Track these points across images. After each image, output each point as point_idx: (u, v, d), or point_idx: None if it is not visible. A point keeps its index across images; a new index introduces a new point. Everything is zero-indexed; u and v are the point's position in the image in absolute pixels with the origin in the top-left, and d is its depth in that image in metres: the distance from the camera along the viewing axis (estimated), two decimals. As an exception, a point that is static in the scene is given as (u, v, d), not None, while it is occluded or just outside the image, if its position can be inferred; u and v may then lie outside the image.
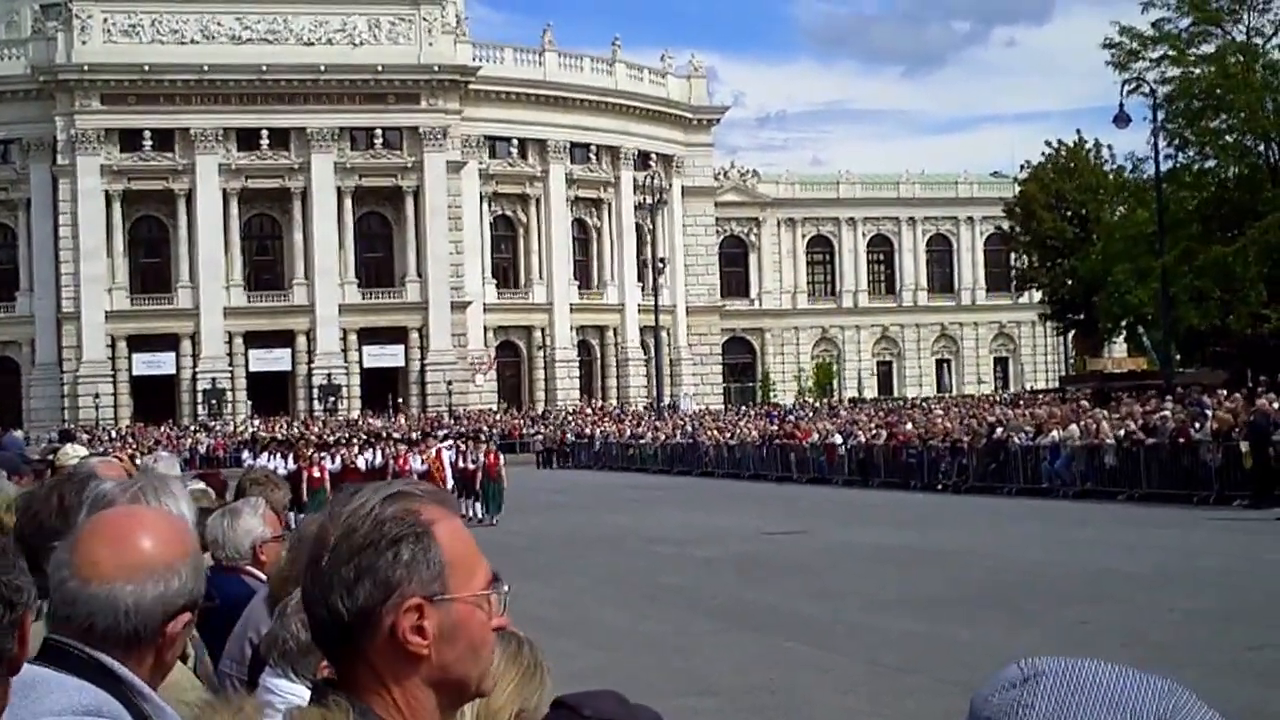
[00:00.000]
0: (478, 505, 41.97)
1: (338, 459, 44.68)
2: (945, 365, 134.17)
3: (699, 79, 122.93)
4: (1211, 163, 63.99)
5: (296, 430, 77.82)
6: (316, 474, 41.53)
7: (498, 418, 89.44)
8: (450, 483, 40.45)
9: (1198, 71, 62.44)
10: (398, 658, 2.48)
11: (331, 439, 59.38)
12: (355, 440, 54.29)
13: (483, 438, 51.70)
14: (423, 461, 42.62)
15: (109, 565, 3.10)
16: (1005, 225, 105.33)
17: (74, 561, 3.13)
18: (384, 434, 60.63)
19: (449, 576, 2.51)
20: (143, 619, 3.10)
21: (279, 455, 46.01)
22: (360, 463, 44.71)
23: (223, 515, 7.04)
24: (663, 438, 72.13)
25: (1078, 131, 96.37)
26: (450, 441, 49.72)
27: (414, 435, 61.56)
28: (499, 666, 3.59)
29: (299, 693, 4.36)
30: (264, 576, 6.61)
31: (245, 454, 59.06)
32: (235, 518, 6.92)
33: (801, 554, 28.80)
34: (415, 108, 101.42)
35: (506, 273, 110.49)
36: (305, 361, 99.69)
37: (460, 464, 43.81)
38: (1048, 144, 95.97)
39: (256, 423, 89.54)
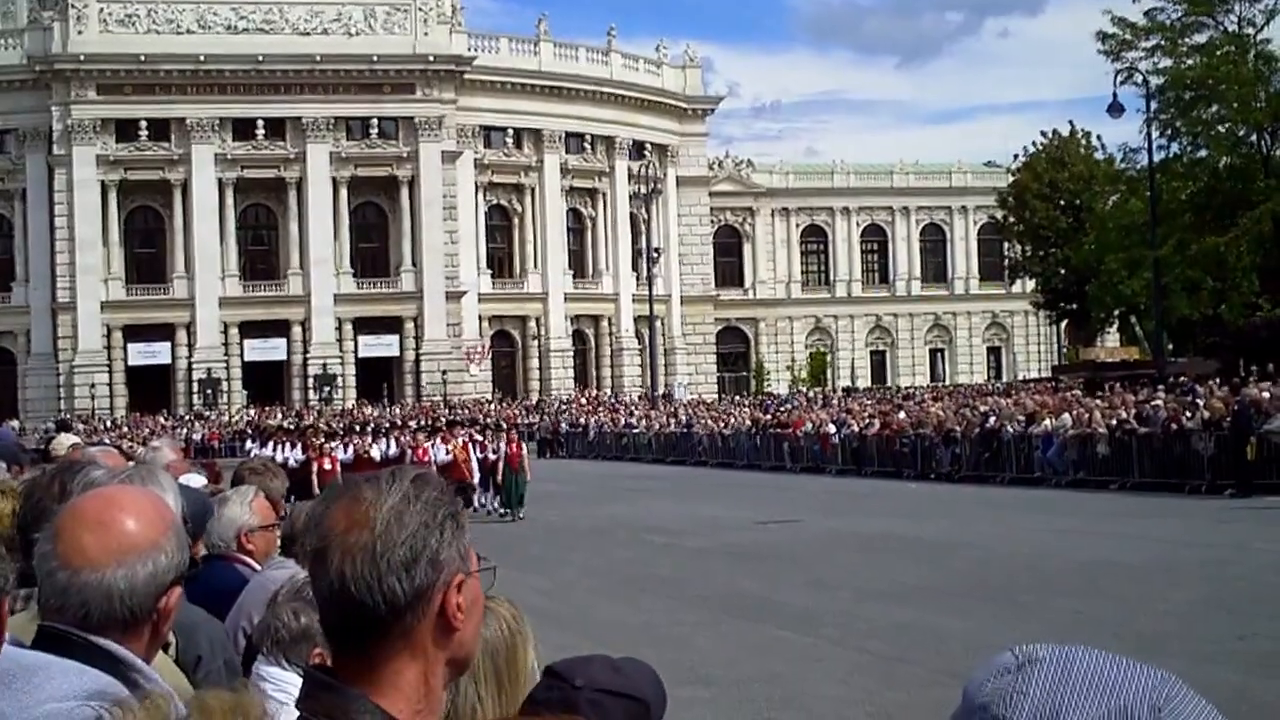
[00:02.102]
0: (496, 499, 39.60)
1: (350, 449, 42.44)
2: (939, 354, 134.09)
3: (694, 69, 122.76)
4: (1204, 153, 64.07)
5: (295, 418, 77.66)
6: (328, 465, 39.22)
7: (492, 407, 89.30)
8: (476, 474, 38.55)
9: (1190, 62, 62.51)
10: (437, 636, 2.56)
11: (343, 428, 56.78)
12: (369, 429, 52.27)
13: (504, 426, 48.91)
14: (448, 451, 39.17)
15: (96, 551, 3.09)
16: (998, 215, 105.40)
17: (59, 551, 3.11)
18: (400, 422, 58.67)
19: (470, 553, 2.62)
20: (138, 601, 3.11)
21: (287, 445, 43.98)
22: (374, 452, 41.92)
23: (213, 504, 7.08)
24: (657, 427, 72.14)
25: (1070, 123, 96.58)
26: (466, 431, 46.63)
27: (434, 424, 58.01)
28: (516, 625, 3.67)
29: (292, 681, 4.38)
30: (256, 565, 6.65)
31: (250, 444, 56.57)
32: (222, 506, 6.96)
33: (795, 544, 28.83)
34: (410, 98, 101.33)
35: (501, 262, 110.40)
36: (300, 351, 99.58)
37: (479, 454, 40.90)
38: (1043, 134, 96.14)
39: (252, 412, 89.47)
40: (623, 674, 3.13)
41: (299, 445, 43.22)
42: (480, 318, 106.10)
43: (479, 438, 41.72)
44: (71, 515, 3.22)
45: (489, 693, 3.51)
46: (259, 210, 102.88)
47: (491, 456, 39.76)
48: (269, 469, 8.56)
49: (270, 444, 45.48)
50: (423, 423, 57.66)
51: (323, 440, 43.03)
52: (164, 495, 4.25)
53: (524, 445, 41.90)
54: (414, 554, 2.50)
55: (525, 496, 38.65)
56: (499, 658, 3.54)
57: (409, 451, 40.30)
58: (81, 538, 3.11)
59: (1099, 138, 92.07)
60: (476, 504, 39.01)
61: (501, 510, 38.57)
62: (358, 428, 54.96)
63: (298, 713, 2.55)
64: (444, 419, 60.54)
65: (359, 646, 2.55)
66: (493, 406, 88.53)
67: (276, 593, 5.02)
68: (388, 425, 54.51)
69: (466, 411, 79.46)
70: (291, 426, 57.65)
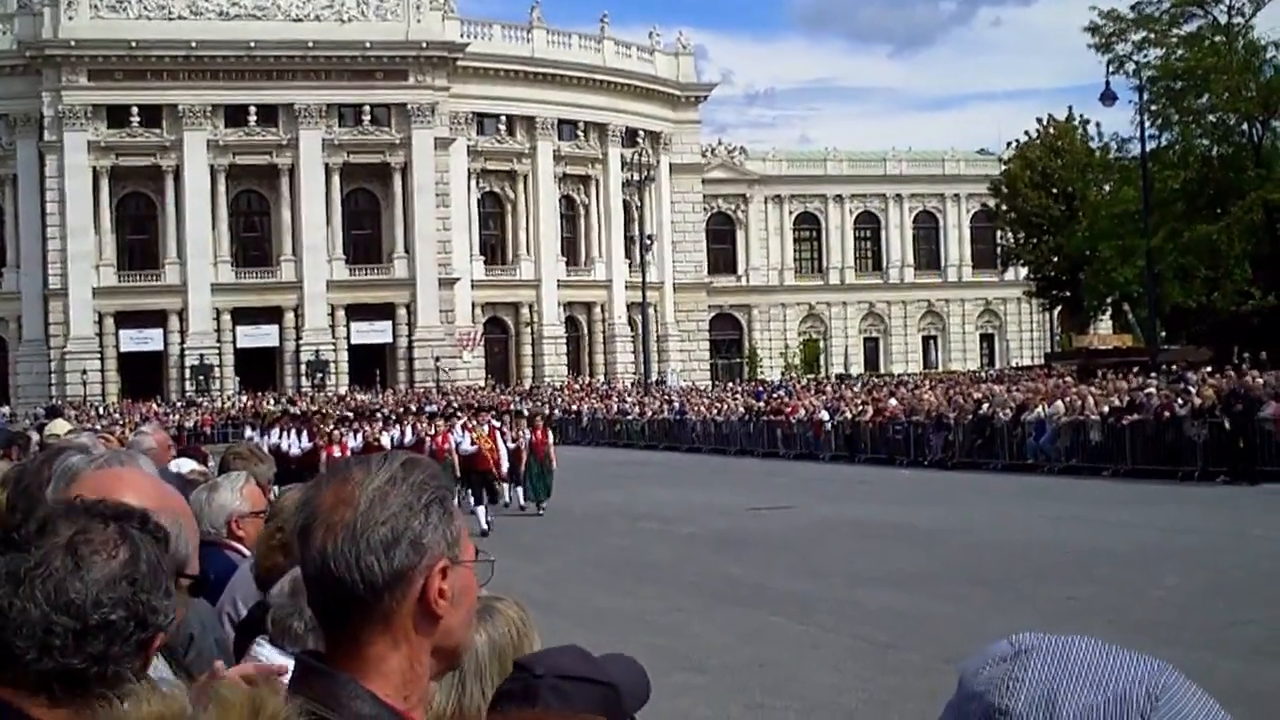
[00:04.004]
0: (519, 491, 36.54)
1: (359, 436, 39.60)
2: (932, 341, 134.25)
3: (686, 56, 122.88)
4: (1194, 141, 64.18)
5: (288, 404, 77.45)
6: (338, 453, 36.10)
7: (485, 394, 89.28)
8: (506, 465, 35.30)
9: (1179, 52, 62.62)
10: (418, 621, 2.55)
11: (353, 414, 53.11)
12: (379, 415, 48.95)
13: (526, 412, 44.65)
14: (473, 440, 35.20)
15: None
16: (991, 203, 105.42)
17: None
18: (417, 408, 55.89)
19: (461, 541, 2.60)
20: None
21: (292, 432, 41.79)
22: (385, 439, 38.76)
23: (202, 490, 7.06)
24: (650, 414, 72.12)
25: (1070, 108, 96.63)
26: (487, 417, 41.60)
27: (447, 409, 53.49)
28: (524, 628, 3.68)
29: (288, 665, 4.36)
30: (246, 551, 6.63)
31: (251, 431, 53.18)
32: (213, 492, 6.94)
33: (788, 530, 28.84)
34: (403, 84, 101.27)
35: (494, 249, 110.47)
36: (293, 338, 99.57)
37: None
38: (1038, 121, 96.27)
39: (244, 399, 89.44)
40: (590, 661, 3.13)
41: (305, 432, 41.53)
42: (473, 304, 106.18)
43: (495, 424, 38.06)
44: (75, 488, 3.22)
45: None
46: (251, 197, 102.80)
47: (511, 445, 36.36)
48: (255, 454, 8.55)
49: (275, 430, 43.37)
50: (438, 409, 54.06)
51: (332, 427, 41.08)
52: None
53: (550, 434, 38.53)
54: (395, 535, 2.51)
55: (552, 488, 35.86)
56: (506, 659, 3.56)
57: (428, 440, 37.03)
58: None
59: (1097, 124, 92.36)
60: (506, 498, 36.53)
61: (522, 503, 36.32)
62: (367, 413, 52.01)
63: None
64: (460, 404, 57.71)
65: (343, 629, 2.55)
66: (484, 393, 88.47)
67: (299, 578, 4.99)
68: (400, 411, 51.69)
69: (461, 397, 79.35)
70: (298, 413, 55.85)
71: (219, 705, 2.06)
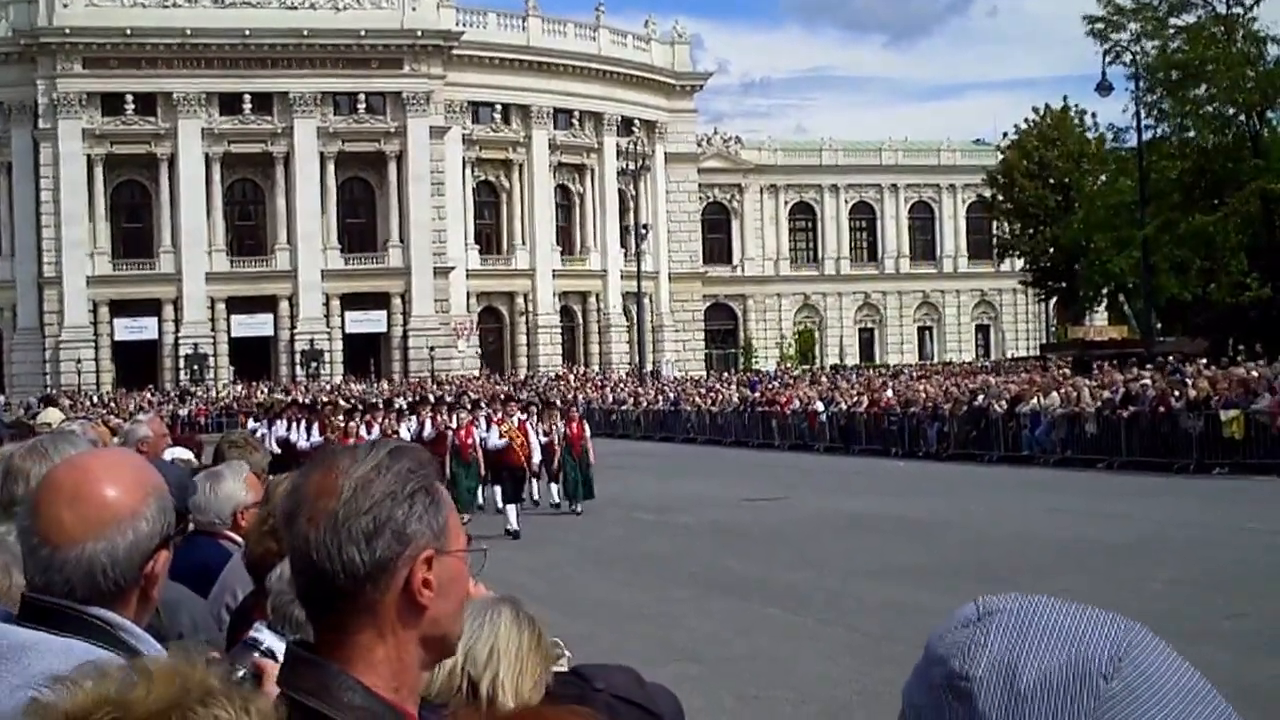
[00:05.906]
0: (552, 488, 34.31)
1: (375, 428, 35.86)
2: (927, 332, 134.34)
3: (682, 45, 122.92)
4: (1191, 133, 64.13)
5: (283, 393, 77.26)
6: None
7: (480, 383, 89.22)
8: (537, 458, 32.71)
9: (1177, 44, 62.57)
10: (403, 611, 2.53)
11: (363, 405, 47.83)
12: (393, 406, 45.13)
13: (558, 404, 41.33)
14: (501, 433, 32.07)
15: (74, 526, 3.05)
16: (987, 193, 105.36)
17: (39, 528, 3.07)
18: (435, 398, 52.54)
19: (450, 531, 2.58)
20: (121, 571, 3.06)
21: (300, 423, 39.21)
22: (403, 432, 34.68)
23: (205, 479, 6.99)
24: (644, 404, 72.05)
25: (1065, 98, 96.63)
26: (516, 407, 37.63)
27: (461, 398, 46.58)
28: (522, 642, 3.61)
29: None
30: (241, 541, 6.58)
31: (253, 423, 46.50)
32: (217, 482, 6.87)
33: (782, 521, 28.83)
34: (398, 73, 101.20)
35: (489, 238, 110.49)
36: (288, 327, 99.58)
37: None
38: (1035, 110, 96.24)
39: (239, 388, 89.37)
40: (644, 688, 3.13)
41: (314, 424, 38.57)
42: (468, 294, 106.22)
43: (521, 415, 34.57)
44: (48, 488, 3.16)
45: (511, 681, 3.46)
46: (246, 185, 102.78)
47: (543, 439, 33.37)
48: (250, 443, 8.53)
49: (281, 422, 40.72)
50: (455, 399, 49.85)
51: (343, 419, 37.65)
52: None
53: (586, 426, 36.06)
54: (377, 525, 2.49)
55: (593, 484, 33.47)
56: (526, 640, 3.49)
57: (450, 433, 33.56)
58: (60, 513, 3.06)
59: (1093, 115, 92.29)
60: (536, 495, 34.44)
61: (556, 500, 33.99)
62: (383, 404, 48.82)
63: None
64: (501, 395, 53.81)
65: (329, 619, 2.54)
66: (480, 383, 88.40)
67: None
68: (414, 401, 48.44)
69: (454, 387, 79.18)
70: (307, 403, 53.90)
71: (144, 678, 2.02)
